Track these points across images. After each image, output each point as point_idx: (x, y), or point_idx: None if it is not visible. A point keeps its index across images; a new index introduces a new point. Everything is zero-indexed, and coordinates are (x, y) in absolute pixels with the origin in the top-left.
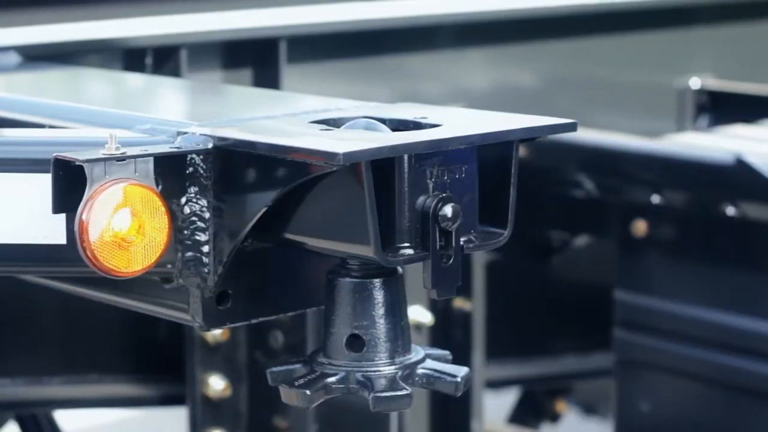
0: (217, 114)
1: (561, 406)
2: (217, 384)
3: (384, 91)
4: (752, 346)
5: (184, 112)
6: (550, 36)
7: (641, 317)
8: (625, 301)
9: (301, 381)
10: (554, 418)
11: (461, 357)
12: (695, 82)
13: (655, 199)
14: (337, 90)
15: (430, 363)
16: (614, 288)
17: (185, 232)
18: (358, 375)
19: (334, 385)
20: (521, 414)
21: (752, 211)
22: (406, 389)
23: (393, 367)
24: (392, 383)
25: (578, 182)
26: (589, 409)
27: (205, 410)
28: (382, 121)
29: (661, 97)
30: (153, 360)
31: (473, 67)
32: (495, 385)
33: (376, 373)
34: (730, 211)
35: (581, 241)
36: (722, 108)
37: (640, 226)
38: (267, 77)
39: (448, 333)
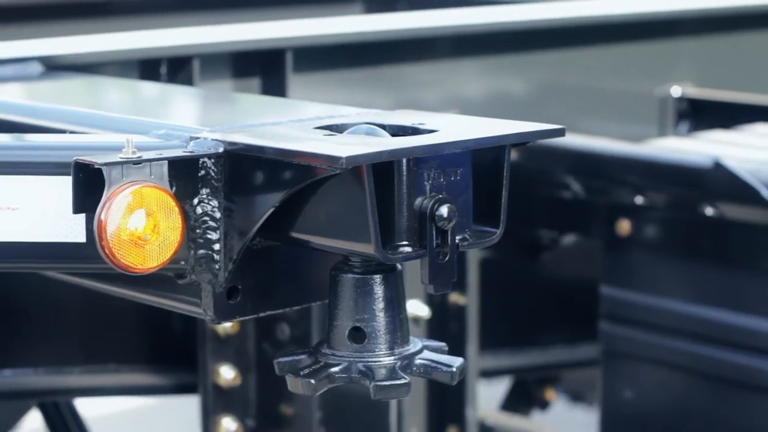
0: (227, 120)
1: (550, 394)
2: (227, 373)
3: (384, 99)
4: (729, 337)
5: (196, 118)
6: (540, 47)
7: (625, 311)
8: (610, 295)
9: (306, 371)
10: (544, 405)
11: (456, 348)
12: (676, 90)
13: (639, 200)
14: (340, 98)
15: (427, 354)
16: (600, 283)
17: (197, 231)
18: (360, 365)
19: (337, 375)
20: (513, 402)
21: (729, 211)
22: (405, 378)
23: (392, 357)
24: (392, 373)
25: (566, 184)
26: (577, 396)
27: (216, 398)
28: (382, 126)
29: (644, 104)
30: (167, 351)
31: (468, 76)
32: (488, 374)
33: (377, 363)
34: (709, 211)
35: (569, 239)
36: (701, 115)
37: (624, 226)
38: (274, 86)
39: (445, 325)
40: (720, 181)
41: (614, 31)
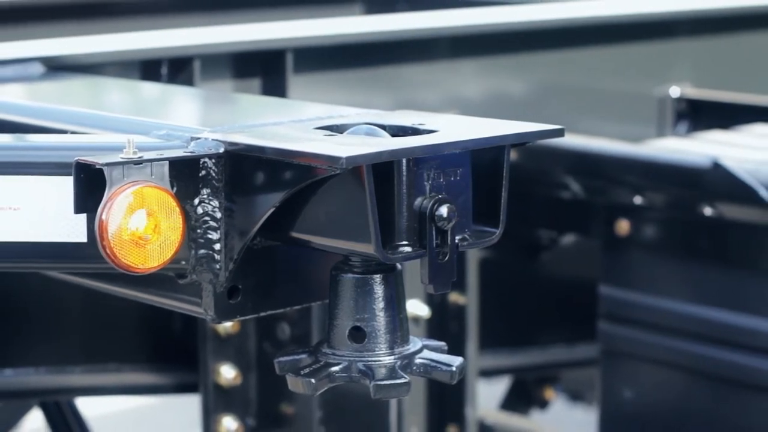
0: (227, 121)
1: (549, 393)
2: (228, 373)
3: (384, 99)
4: (728, 337)
5: (197, 118)
6: (539, 47)
7: (624, 310)
8: (608, 295)
9: (307, 370)
10: (543, 404)
11: (456, 347)
12: (675, 91)
13: (637, 200)
14: (340, 98)
15: (427, 353)
16: (598, 283)
17: (198, 231)
18: (360, 364)
19: (337, 374)
20: (512, 401)
21: (728, 211)
22: (405, 378)
23: (392, 357)
24: (391, 372)
25: (565, 184)
26: (576, 396)
27: (216, 397)
28: (382, 127)
29: (643, 104)
30: (168, 350)
31: (468, 76)
32: (488, 374)
33: (377, 362)
34: (708, 211)
35: (568, 239)
36: (700, 115)
37: (623, 226)
38: (275, 86)
39: (444, 325)
40: (719, 182)
41: (613, 31)
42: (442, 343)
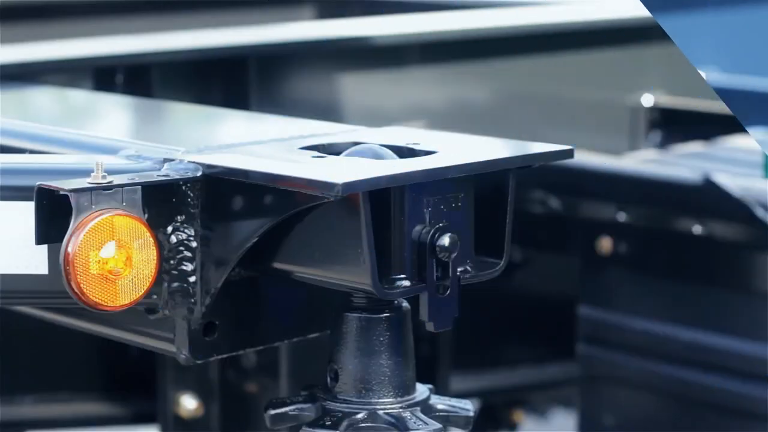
0: (199, 137)
1: (518, 416)
2: (188, 403)
3: (348, 107)
4: (714, 361)
5: (165, 135)
6: (506, 54)
7: (605, 333)
8: (589, 316)
9: (327, 422)
10: (512, 427)
11: (429, 371)
12: (648, 100)
13: (620, 216)
14: (303, 107)
15: (436, 397)
16: (578, 304)
17: (171, 261)
18: (381, 413)
19: (362, 425)
20: (480, 424)
21: (717, 230)
22: (437, 424)
23: (410, 402)
24: (419, 420)
25: (543, 200)
26: (546, 418)
27: (176, 429)
28: None
29: (615, 114)
30: (123, 378)
31: (432, 85)
32: (457, 397)
33: (397, 410)
34: (696, 229)
35: (544, 257)
36: (673, 125)
37: (605, 244)
38: (236, 95)
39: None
40: (709, 199)
41: (583, 38)
42: (430, 386)
